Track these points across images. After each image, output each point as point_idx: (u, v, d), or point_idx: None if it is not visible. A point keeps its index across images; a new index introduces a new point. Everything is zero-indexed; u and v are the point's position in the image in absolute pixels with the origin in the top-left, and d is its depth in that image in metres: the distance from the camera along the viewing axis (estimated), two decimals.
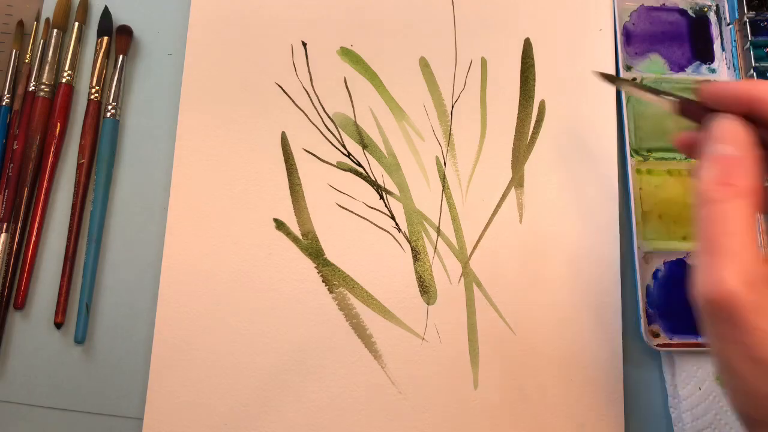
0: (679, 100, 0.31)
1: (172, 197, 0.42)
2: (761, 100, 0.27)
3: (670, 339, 0.41)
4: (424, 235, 0.42)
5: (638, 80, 0.45)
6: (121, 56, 0.44)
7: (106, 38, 0.45)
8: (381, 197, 0.43)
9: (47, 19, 0.45)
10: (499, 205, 0.43)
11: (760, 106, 0.27)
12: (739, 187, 0.25)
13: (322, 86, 0.44)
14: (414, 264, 0.42)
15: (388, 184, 0.43)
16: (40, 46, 0.45)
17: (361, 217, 0.42)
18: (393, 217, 0.42)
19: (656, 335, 0.41)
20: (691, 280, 0.25)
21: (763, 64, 0.45)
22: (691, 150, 0.31)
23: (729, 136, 0.27)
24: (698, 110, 0.30)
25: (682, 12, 0.48)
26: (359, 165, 0.43)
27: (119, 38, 0.45)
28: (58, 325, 0.40)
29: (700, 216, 0.26)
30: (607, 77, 0.38)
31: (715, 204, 0.25)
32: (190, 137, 0.43)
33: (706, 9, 0.48)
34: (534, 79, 0.45)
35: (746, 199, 0.25)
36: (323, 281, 0.41)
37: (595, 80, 0.44)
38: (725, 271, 0.24)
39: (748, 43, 0.45)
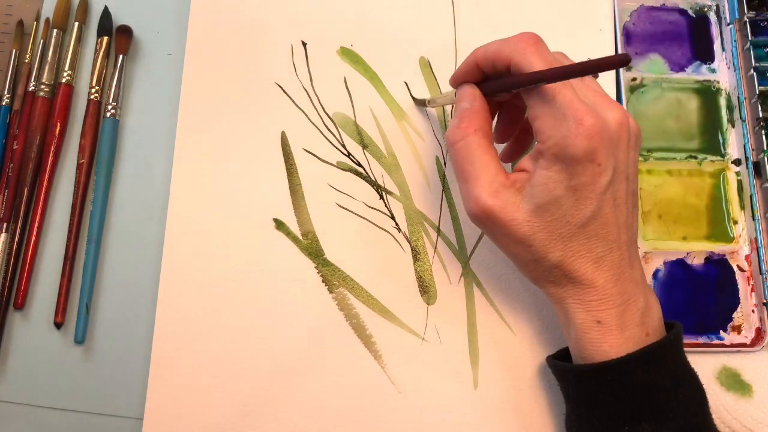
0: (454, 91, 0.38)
1: (172, 197, 0.42)
2: (479, 64, 0.35)
3: None
4: (424, 235, 0.42)
5: (638, 80, 0.45)
6: (121, 56, 0.44)
7: (106, 38, 0.45)
8: (381, 197, 0.43)
9: (47, 19, 0.45)
10: None
11: (482, 66, 0.35)
12: (471, 127, 0.34)
13: (322, 86, 0.44)
14: (414, 264, 0.42)
15: (388, 184, 0.43)
16: (40, 46, 0.44)
17: (361, 217, 0.42)
18: (393, 217, 0.42)
19: None
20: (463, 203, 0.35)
21: (763, 64, 0.45)
22: None
23: (464, 96, 0.36)
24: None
25: (682, 12, 0.48)
26: (359, 165, 0.43)
27: (119, 38, 0.45)
28: (58, 325, 0.40)
29: (451, 156, 0.35)
30: (416, 101, 0.44)
31: (456, 143, 0.34)
32: (190, 137, 0.43)
33: (706, 9, 0.48)
34: None
35: (477, 135, 0.34)
36: (323, 281, 0.41)
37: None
38: (476, 191, 0.33)
39: (748, 43, 0.45)
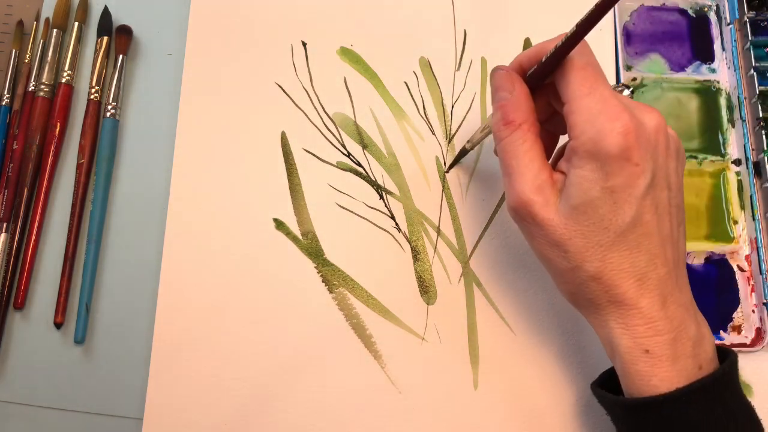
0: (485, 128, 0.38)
1: (172, 197, 0.42)
2: (523, 65, 0.34)
3: None
4: (424, 235, 0.42)
5: (638, 80, 0.45)
6: (120, 56, 0.44)
7: (105, 38, 0.45)
8: (381, 197, 0.43)
9: (47, 19, 0.45)
10: (499, 205, 0.43)
11: (525, 67, 0.34)
12: (516, 120, 0.33)
13: (322, 86, 0.44)
14: (414, 264, 0.42)
15: (388, 184, 0.43)
16: (40, 46, 0.44)
17: (361, 217, 0.42)
18: (393, 217, 0.42)
19: None
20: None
21: (763, 63, 0.45)
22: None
23: (501, 83, 0.34)
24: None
25: (682, 12, 0.48)
26: (359, 165, 0.43)
27: (119, 38, 0.45)
28: (58, 325, 0.40)
29: (498, 150, 0.34)
30: (456, 159, 0.43)
31: (503, 140, 0.33)
32: (190, 137, 0.43)
33: (706, 9, 0.48)
34: None
35: (522, 129, 0.33)
36: (323, 281, 0.41)
37: None
38: (518, 186, 0.32)
39: (748, 43, 0.45)
